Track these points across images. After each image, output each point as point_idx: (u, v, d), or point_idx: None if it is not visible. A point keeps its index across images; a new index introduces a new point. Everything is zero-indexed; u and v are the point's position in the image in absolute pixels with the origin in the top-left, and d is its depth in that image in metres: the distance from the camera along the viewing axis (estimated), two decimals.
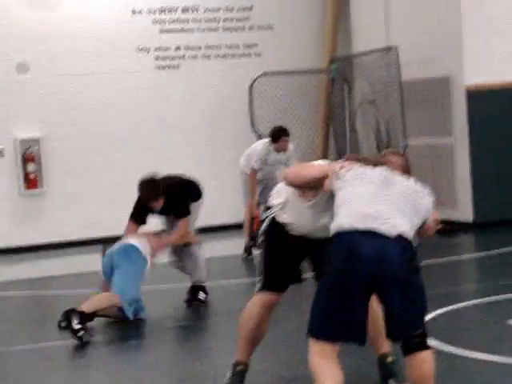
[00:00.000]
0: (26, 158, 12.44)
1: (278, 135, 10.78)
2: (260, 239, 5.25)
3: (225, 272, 9.89)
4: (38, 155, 12.47)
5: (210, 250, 9.47)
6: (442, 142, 12.15)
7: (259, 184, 10.78)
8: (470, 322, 7.14)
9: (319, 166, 4.86)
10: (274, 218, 5.15)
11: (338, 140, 13.76)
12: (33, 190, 12.50)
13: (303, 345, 6.31)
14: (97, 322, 7.74)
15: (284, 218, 5.11)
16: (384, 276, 4.23)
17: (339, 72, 13.49)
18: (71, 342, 6.97)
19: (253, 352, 5.28)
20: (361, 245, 4.22)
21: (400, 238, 4.27)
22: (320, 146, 13.73)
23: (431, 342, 6.13)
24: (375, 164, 4.70)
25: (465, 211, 11.88)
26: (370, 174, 4.52)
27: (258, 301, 5.17)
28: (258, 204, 10.71)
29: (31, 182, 12.49)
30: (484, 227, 11.48)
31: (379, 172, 4.54)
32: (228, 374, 5.30)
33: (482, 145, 11.69)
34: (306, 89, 13.48)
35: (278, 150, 10.76)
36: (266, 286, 5.16)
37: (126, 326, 7.65)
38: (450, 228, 11.72)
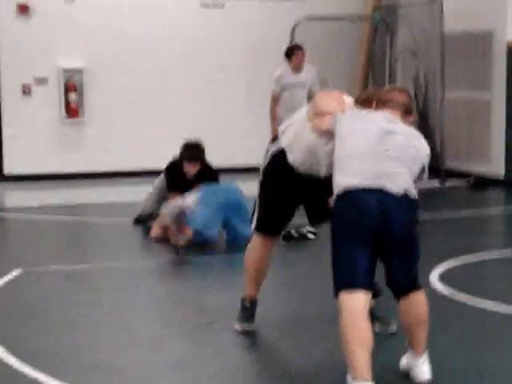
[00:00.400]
0: (69, 87, 12.66)
1: (291, 51, 10.32)
2: (260, 176, 5.33)
3: None
4: (80, 85, 12.68)
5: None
6: (480, 96, 12.15)
7: (286, 111, 9.78)
8: (486, 273, 7.27)
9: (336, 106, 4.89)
10: (276, 155, 5.22)
11: (377, 89, 13.79)
12: (73, 118, 12.73)
13: (314, 286, 6.57)
14: (121, 249, 8.04)
15: (288, 146, 5.15)
16: (387, 233, 4.37)
17: (382, 20, 13.48)
18: (99, 265, 7.32)
19: (259, 287, 5.48)
20: (367, 201, 4.35)
21: (404, 196, 4.41)
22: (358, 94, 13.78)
23: (446, 290, 6.35)
24: (379, 101, 4.78)
25: (497, 167, 11.93)
26: (370, 122, 4.60)
27: (255, 243, 5.36)
28: None
29: (72, 110, 12.70)
30: None
31: (379, 118, 4.62)
32: (238, 309, 5.52)
33: None
34: (348, 35, 13.49)
35: (295, 68, 10.25)
36: (261, 230, 5.31)
37: (157, 253, 7.95)
38: (481, 182, 11.82)
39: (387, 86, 5.05)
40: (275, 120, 10.29)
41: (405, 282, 4.51)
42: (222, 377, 4.78)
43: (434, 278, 6.70)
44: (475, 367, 4.83)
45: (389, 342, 5.19)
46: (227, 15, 13.24)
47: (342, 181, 4.47)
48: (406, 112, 4.77)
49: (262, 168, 5.35)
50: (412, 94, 12.97)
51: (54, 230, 9.44)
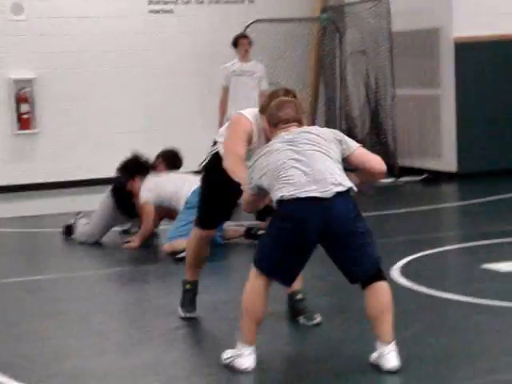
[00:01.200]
0: (20, 99, 12.59)
1: (237, 39, 10.64)
2: (201, 175, 5.70)
3: None
4: (32, 96, 12.62)
5: None
6: (429, 93, 12.34)
7: (234, 100, 10.48)
8: (445, 265, 7.42)
9: (243, 175, 5.00)
10: (215, 155, 5.49)
11: (328, 89, 13.93)
12: (25, 130, 12.67)
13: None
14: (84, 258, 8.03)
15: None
16: (331, 234, 4.56)
17: (330, 21, 13.61)
18: (61, 275, 7.36)
19: (198, 272, 5.85)
20: (305, 210, 4.51)
21: (338, 194, 4.55)
22: (310, 95, 13.91)
23: (406, 283, 6.47)
24: (270, 122, 4.89)
25: (449, 162, 12.12)
26: (275, 147, 4.72)
27: (195, 235, 5.72)
28: None
29: (24, 122, 12.64)
30: (467, 178, 11.72)
31: (282, 140, 4.74)
32: (181, 294, 5.83)
33: (468, 97, 11.88)
34: (298, 37, 13.59)
35: (242, 57, 10.57)
36: (202, 225, 5.66)
37: (119, 260, 7.96)
38: (434, 178, 12.01)
39: (276, 91, 4.98)
40: (223, 114, 10.52)
41: (361, 269, 4.63)
42: (196, 378, 4.83)
43: (395, 272, 6.81)
44: (441, 356, 4.93)
45: (357, 333, 5.27)
46: (176, 20, 13.27)
47: (276, 193, 4.59)
48: (299, 124, 4.87)
49: (202, 165, 5.63)
50: (363, 93, 13.15)
51: (10, 242, 9.41)
